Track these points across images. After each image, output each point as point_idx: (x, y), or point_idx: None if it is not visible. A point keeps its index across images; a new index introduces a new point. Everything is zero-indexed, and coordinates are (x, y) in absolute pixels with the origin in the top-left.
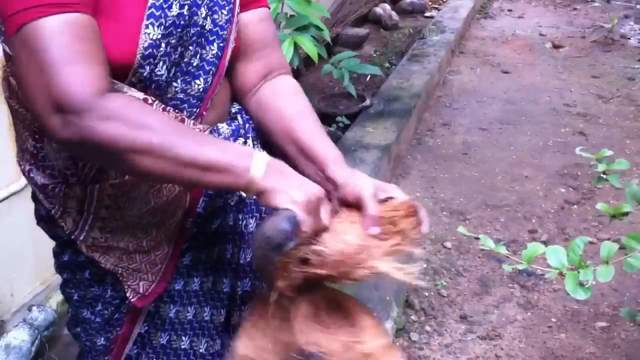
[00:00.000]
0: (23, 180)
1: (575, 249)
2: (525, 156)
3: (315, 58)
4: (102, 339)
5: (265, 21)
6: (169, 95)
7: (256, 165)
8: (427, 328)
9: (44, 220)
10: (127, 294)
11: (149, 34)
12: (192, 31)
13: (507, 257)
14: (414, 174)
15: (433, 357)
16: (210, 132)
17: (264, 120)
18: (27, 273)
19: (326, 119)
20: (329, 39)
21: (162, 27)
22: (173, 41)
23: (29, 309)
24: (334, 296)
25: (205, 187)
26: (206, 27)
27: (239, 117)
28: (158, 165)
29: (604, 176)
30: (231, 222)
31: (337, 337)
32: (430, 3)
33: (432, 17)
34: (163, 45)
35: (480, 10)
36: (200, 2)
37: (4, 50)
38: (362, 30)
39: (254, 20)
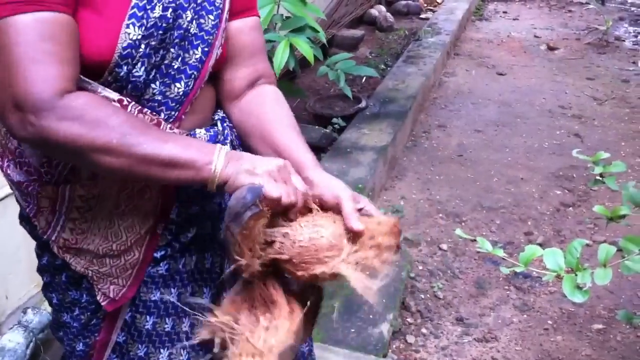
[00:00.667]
0: None
1: (572, 251)
2: (520, 158)
3: (311, 59)
4: (81, 344)
5: (255, 30)
6: (147, 97)
7: (217, 158)
8: (424, 330)
9: (25, 220)
10: (98, 297)
11: (129, 33)
12: (175, 34)
13: (504, 259)
14: (410, 176)
15: (429, 359)
16: (187, 135)
17: (244, 125)
18: (21, 275)
19: (322, 120)
20: (324, 41)
21: (144, 27)
22: (153, 43)
23: (24, 312)
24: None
25: (168, 183)
26: (191, 30)
27: (219, 123)
28: (119, 162)
29: (601, 178)
30: (209, 231)
31: (249, 321)
32: (425, 5)
33: (427, 18)
34: (143, 46)
35: (475, 12)
36: (186, 6)
37: None
38: (357, 32)
39: (244, 29)
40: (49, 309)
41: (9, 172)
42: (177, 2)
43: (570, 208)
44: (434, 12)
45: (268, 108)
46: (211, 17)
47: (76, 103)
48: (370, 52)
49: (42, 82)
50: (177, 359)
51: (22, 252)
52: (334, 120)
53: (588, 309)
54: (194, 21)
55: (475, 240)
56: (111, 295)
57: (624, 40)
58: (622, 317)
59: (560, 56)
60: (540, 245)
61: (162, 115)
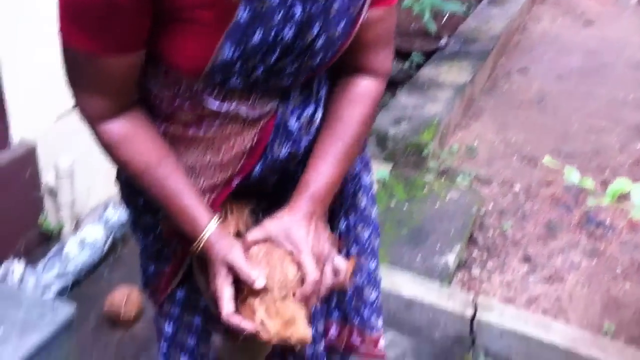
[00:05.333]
0: None
1: None
2: (602, 108)
3: None
4: (152, 267)
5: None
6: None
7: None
8: (489, 265)
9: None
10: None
11: (223, 53)
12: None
13: (592, 191)
14: (486, 117)
15: (493, 292)
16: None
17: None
18: (104, 173)
19: (399, 55)
20: None
21: (240, 50)
22: (251, 63)
23: (105, 208)
24: None
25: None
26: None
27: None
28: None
29: None
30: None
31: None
32: None
33: None
34: (239, 63)
35: None
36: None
37: None
38: None
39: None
40: None
41: None
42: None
43: None
44: None
45: (335, 107)
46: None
47: (109, 134)
48: None
49: (89, 109)
50: None
51: None
52: (413, 55)
53: None
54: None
55: (559, 171)
56: None
57: None
58: None
59: None
60: None
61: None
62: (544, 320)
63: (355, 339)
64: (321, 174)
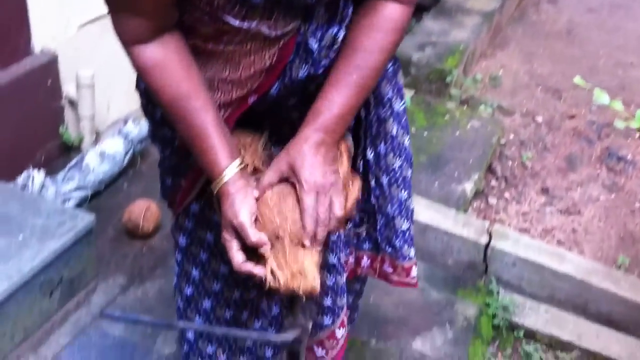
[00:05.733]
0: None
1: None
2: (632, 42)
3: None
4: (169, 180)
5: None
6: None
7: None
8: (506, 195)
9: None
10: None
11: None
12: None
13: (621, 113)
14: (512, 47)
15: (509, 222)
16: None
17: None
18: (124, 87)
19: None
20: None
21: None
22: None
23: (125, 123)
24: None
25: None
26: None
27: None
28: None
29: None
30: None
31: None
32: None
33: None
34: None
35: None
36: None
37: None
38: None
39: None
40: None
41: None
42: None
43: None
44: None
45: (356, 33)
46: None
47: (143, 58)
48: None
49: (123, 30)
50: None
51: (126, 66)
52: None
53: None
54: None
55: (583, 105)
56: None
57: None
58: None
59: None
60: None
61: None
62: (558, 250)
63: (387, 268)
64: (334, 104)
